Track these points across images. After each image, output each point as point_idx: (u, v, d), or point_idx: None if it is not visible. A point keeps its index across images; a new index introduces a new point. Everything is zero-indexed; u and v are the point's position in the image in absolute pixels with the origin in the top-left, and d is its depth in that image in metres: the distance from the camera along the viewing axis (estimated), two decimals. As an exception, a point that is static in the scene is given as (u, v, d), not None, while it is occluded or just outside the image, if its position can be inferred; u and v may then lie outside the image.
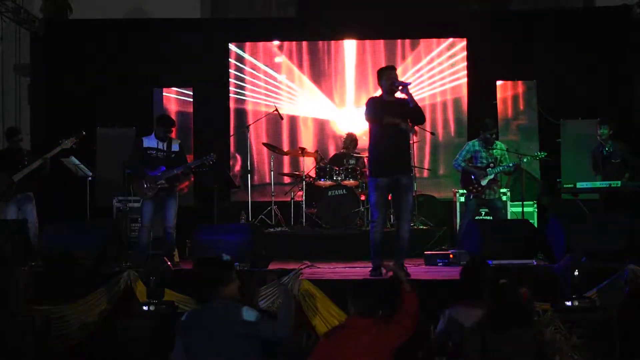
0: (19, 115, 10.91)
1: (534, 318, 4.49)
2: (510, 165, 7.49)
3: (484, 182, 7.39)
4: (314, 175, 9.05)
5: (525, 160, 7.82)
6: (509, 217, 8.40)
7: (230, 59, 10.71)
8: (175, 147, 7.29)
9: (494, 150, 7.53)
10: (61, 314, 5.77)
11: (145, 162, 7.14)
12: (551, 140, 10.08)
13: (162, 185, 7.09)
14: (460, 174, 7.74)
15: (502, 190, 8.73)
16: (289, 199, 9.30)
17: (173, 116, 8.64)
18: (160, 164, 7.14)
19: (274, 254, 7.11)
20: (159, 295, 5.42)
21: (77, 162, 8.07)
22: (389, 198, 6.33)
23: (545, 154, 8.04)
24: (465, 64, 10.51)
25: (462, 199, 8.20)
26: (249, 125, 9.82)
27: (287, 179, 10.06)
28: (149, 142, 7.22)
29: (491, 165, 7.42)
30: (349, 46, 10.75)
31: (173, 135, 7.43)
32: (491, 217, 7.80)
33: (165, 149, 7.20)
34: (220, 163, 8.46)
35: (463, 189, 7.64)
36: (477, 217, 7.94)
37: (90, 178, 8.46)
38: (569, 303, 5.20)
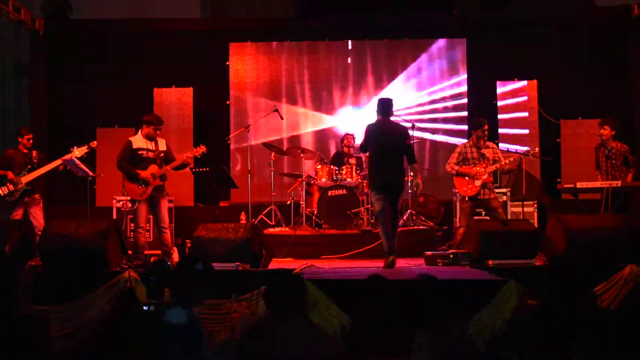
0: (19, 115, 10.92)
1: None
2: (505, 163, 7.47)
3: (478, 183, 7.38)
4: (314, 175, 9.05)
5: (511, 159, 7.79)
6: (508, 217, 8.40)
7: (230, 59, 10.70)
8: (162, 146, 7.31)
9: (485, 150, 7.52)
10: (61, 314, 5.76)
11: (136, 163, 7.13)
12: (551, 140, 10.10)
13: (157, 184, 7.11)
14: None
15: (502, 190, 8.76)
16: (288, 199, 9.31)
17: (173, 116, 8.69)
18: (151, 163, 7.14)
19: (274, 254, 7.12)
20: (159, 295, 5.41)
21: (76, 162, 8.07)
22: None
23: (536, 149, 8.02)
24: (465, 64, 10.51)
25: (463, 199, 8.19)
26: (249, 125, 9.82)
27: (287, 179, 10.06)
28: (138, 142, 7.21)
29: (484, 165, 7.42)
30: (349, 46, 10.75)
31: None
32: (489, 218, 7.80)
33: (154, 148, 7.21)
34: (220, 163, 8.47)
35: (458, 190, 7.63)
36: (476, 218, 7.93)
37: (90, 178, 8.47)
38: (569, 303, 5.19)
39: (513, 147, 9.15)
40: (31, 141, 8.12)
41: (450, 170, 7.56)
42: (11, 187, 7.81)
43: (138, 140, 7.20)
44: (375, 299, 4.22)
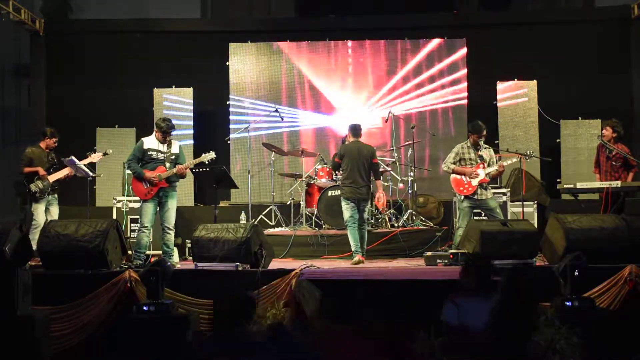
0: (19, 115, 10.92)
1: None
2: (496, 168, 7.49)
3: (474, 183, 7.41)
4: (314, 175, 9.05)
5: (513, 160, 7.80)
6: (508, 217, 8.40)
7: (230, 59, 10.70)
8: (175, 148, 7.32)
9: (482, 152, 7.54)
10: (61, 314, 5.77)
11: (145, 163, 7.17)
12: (551, 140, 10.10)
13: (162, 186, 7.12)
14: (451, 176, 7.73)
15: (502, 190, 8.78)
16: (288, 199, 9.31)
17: (173, 116, 8.69)
18: (160, 164, 7.16)
19: (274, 254, 7.12)
20: (159, 295, 5.41)
21: (77, 162, 8.10)
22: None
23: (532, 152, 7.99)
24: (465, 64, 10.51)
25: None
26: (249, 125, 9.82)
27: (287, 179, 10.06)
28: (149, 143, 7.24)
29: (481, 166, 7.44)
30: (349, 46, 10.75)
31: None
32: (482, 217, 7.80)
33: (165, 150, 7.23)
34: (220, 163, 8.47)
35: (454, 189, 7.64)
36: (476, 218, 7.94)
37: (90, 178, 8.49)
38: (569, 303, 5.20)
39: (513, 148, 9.19)
40: (56, 144, 8.38)
41: (446, 169, 7.60)
42: (40, 185, 8.02)
43: (150, 141, 7.25)
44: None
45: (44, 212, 8.09)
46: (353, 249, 7.64)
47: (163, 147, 7.23)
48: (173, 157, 7.26)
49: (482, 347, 3.86)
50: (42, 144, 8.30)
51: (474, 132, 7.57)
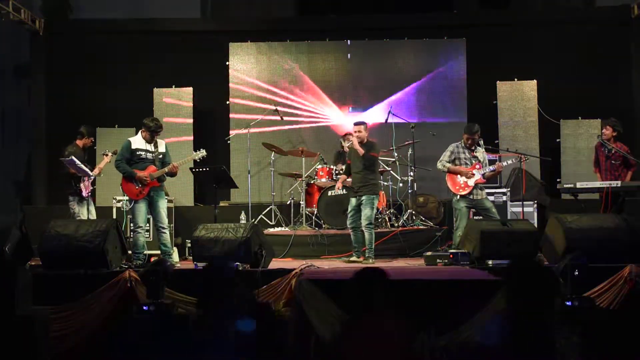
0: (19, 115, 10.92)
1: None
2: (493, 169, 7.50)
3: (471, 183, 7.42)
4: (314, 175, 9.06)
5: (508, 162, 7.81)
6: (508, 217, 8.40)
7: (230, 59, 10.71)
8: (162, 147, 7.31)
9: (478, 153, 7.55)
10: (61, 314, 5.76)
11: (134, 163, 7.14)
12: (551, 140, 10.11)
13: (153, 185, 7.11)
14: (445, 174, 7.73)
15: (502, 190, 8.79)
16: (288, 199, 9.31)
17: (173, 116, 8.72)
18: (150, 164, 7.15)
19: (274, 254, 7.12)
20: (159, 295, 5.41)
21: (77, 162, 8.11)
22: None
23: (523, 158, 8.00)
24: (465, 64, 10.51)
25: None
26: (249, 125, 9.83)
27: (287, 179, 10.06)
28: (137, 143, 7.21)
29: (477, 166, 7.45)
30: (348, 46, 10.75)
31: None
32: (481, 217, 7.80)
33: (153, 149, 7.21)
34: (220, 163, 8.48)
35: (450, 188, 7.64)
36: (476, 218, 7.94)
37: (90, 178, 8.49)
38: (569, 303, 5.20)
39: (513, 148, 9.20)
40: (92, 143, 8.57)
41: (441, 167, 7.60)
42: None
43: (137, 141, 7.21)
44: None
45: (85, 212, 8.14)
46: (373, 249, 7.61)
47: (150, 147, 7.21)
48: (161, 156, 7.25)
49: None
50: (79, 143, 8.36)
51: (468, 132, 7.58)
